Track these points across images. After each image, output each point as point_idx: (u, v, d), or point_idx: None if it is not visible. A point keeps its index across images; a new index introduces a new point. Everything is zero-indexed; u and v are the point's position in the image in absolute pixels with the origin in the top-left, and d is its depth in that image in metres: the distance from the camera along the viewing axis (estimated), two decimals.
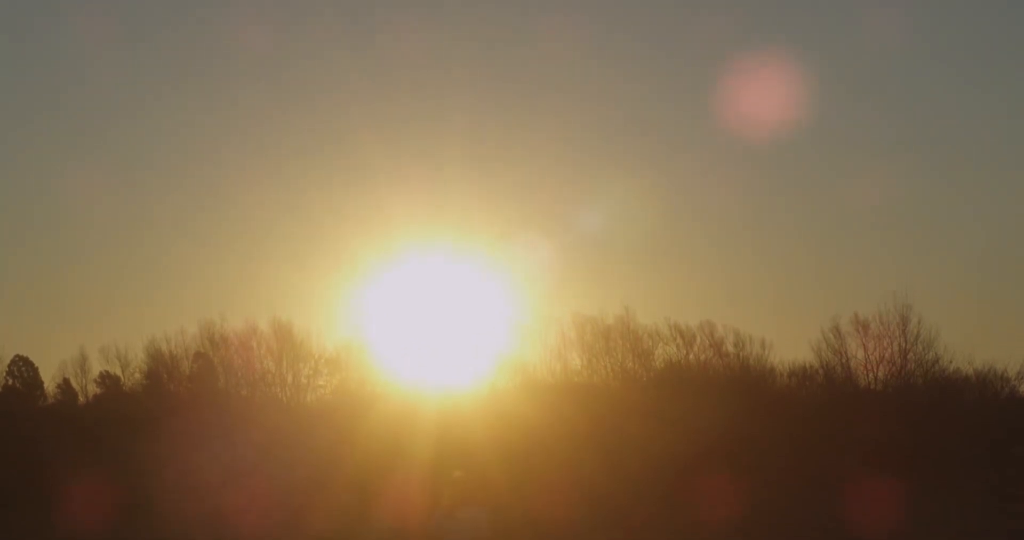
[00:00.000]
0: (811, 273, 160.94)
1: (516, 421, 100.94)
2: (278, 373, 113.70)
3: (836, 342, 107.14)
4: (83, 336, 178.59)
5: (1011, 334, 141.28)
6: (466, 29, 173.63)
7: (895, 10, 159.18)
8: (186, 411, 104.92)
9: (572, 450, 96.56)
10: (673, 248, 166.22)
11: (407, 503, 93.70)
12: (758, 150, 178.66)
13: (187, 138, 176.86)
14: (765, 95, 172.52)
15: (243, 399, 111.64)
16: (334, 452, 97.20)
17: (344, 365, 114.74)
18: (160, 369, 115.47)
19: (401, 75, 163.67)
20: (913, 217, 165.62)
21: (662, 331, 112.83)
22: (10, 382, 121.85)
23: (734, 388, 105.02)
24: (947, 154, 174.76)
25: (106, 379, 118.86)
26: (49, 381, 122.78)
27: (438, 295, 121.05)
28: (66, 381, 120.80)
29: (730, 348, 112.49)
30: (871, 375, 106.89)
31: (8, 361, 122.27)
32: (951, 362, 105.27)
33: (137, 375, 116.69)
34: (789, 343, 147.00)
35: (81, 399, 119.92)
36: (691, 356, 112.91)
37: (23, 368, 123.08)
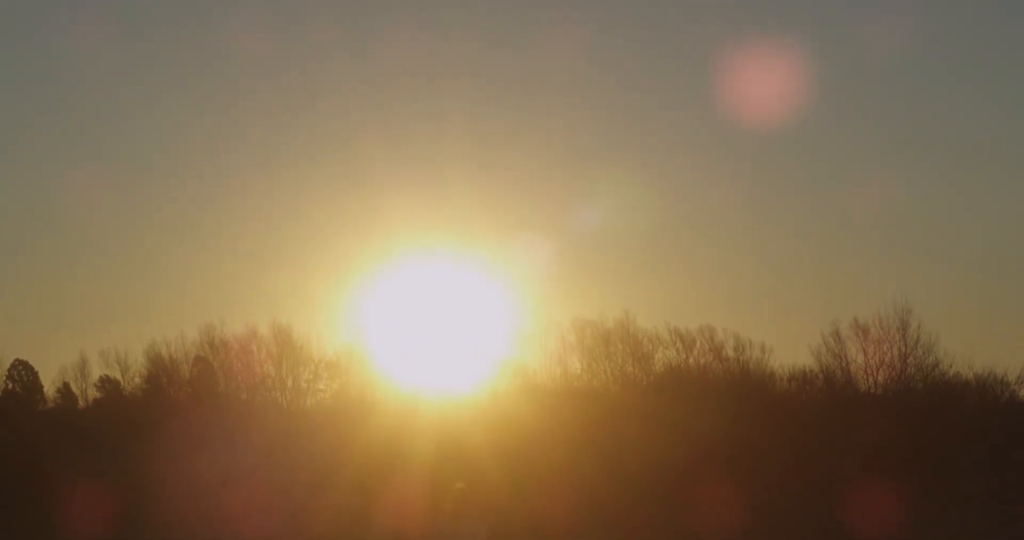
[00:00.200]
0: (811, 277, 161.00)
1: (516, 425, 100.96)
2: (278, 377, 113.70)
3: (836, 346, 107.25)
4: (83, 340, 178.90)
5: (1011, 338, 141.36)
6: (465, 32, 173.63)
7: (895, 12, 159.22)
8: (186, 415, 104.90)
9: (572, 454, 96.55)
10: (673, 252, 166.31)
11: (407, 507, 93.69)
12: (758, 154, 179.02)
13: (187, 142, 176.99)
14: (764, 100, 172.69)
15: (243, 403, 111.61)
16: (334, 456, 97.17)
17: (344, 369, 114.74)
18: (160, 373, 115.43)
19: (400, 79, 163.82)
20: (913, 221, 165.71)
21: (662, 335, 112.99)
22: (10, 386, 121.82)
23: (734, 392, 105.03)
24: (948, 158, 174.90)
25: (106, 383, 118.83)
26: (49, 385, 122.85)
27: (438, 299, 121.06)
28: (66, 385, 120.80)
29: (730, 352, 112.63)
30: (871, 379, 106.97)
31: (8, 365, 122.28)
32: (951, 366, 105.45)
33: (137, 379, 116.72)
34: (789, 347, 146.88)
35: (81, 403, 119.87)
36: (691, 360, 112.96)
37: (23, 372, 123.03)
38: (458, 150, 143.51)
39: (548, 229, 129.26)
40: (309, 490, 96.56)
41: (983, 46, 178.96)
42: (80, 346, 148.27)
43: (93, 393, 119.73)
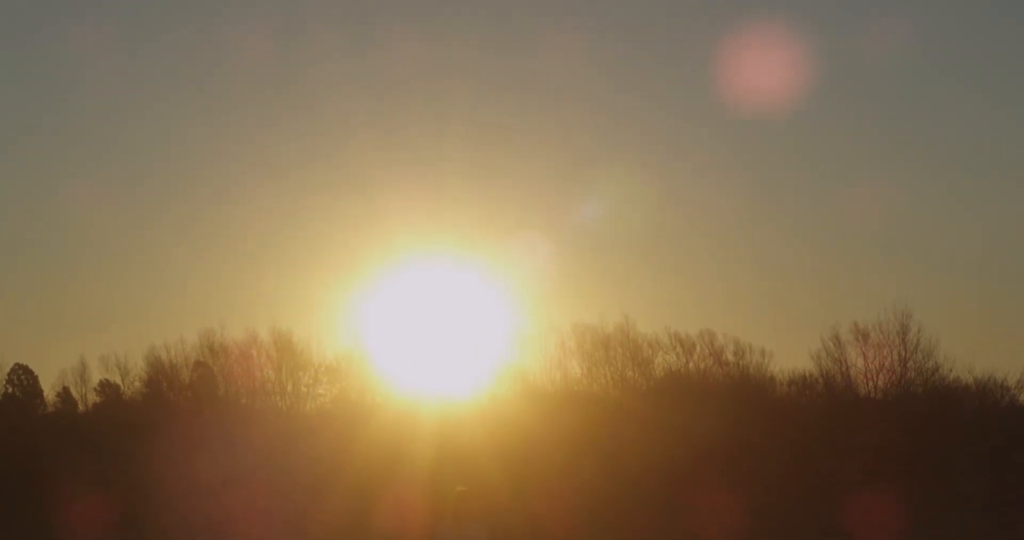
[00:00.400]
0: (811, 282, 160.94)
1: (516, 429, 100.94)
2: (278, 382, 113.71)
3: (836, 351, 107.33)
4: (83, 345, 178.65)
5: (1011, 343, 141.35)
6: (463, 35, 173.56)
7: (894, 14, 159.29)
8: (186, 419, 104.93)
9: (572, 457, 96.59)
10: (672, 255, 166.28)
11: (407, 512, 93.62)
12: (757, 157, 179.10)
13: (187, 146, 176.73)
14: (763, 104, 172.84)
15: (243, 408, 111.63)
16: (334, 460, 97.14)
17: (344, 374, 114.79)
18: (160, 378, 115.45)
19: (401, 82, 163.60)
20: (913, 225, 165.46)
21: (662, 340, 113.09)
22: (10, 390, 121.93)
23: (734, 397, 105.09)
24: (949, 162, 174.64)
25: (106, 388, 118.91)
26: (49, 390, 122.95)
27: (438, 304, 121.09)
28: (66, 389, 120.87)
29: (730, 357, 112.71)
30: (871, 384, 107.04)
31: (8, 370, 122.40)
32: (951, 371, 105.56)
33: (137, 384, 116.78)
34: (789, 352, 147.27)
35: (81, 408, 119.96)
36: (691, 365, 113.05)
37: (23, 377, 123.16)
38: (458, 153, 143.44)
39: (548, 230, 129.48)
40: (309, 494, 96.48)
41: (985, 49, 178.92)
42: (80, 350, 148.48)
43: (93, 397, 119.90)
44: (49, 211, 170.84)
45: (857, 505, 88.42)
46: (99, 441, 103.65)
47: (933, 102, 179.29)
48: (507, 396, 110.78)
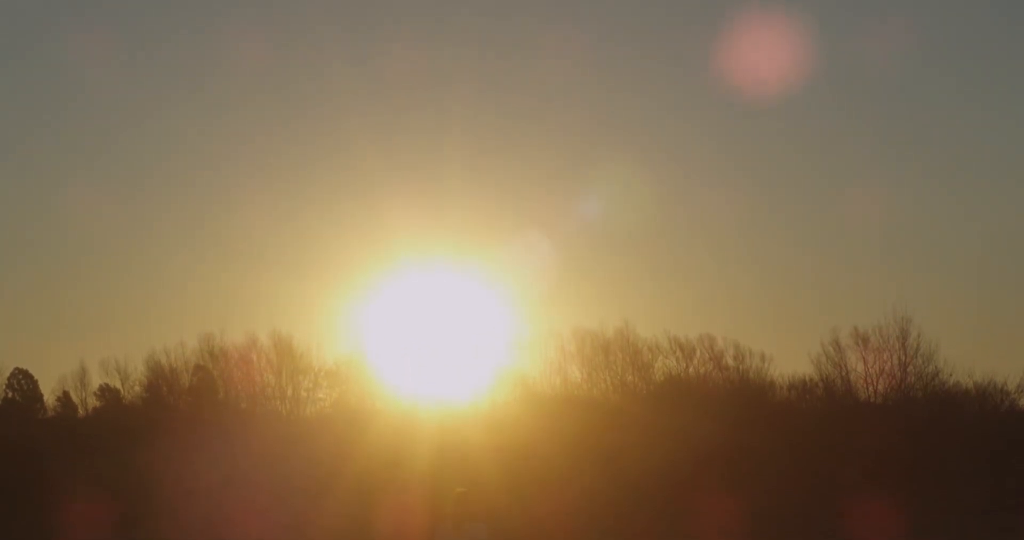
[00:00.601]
0: (811, 286, 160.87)
1: (516, 434, 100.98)
2: (278, 386, 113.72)
3: (836, 355, 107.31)
4: (83, 349, 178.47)
5: (1011, 347, 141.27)
6: (463, 38, 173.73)
7: (895, 18, 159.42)
8: (186, 424, 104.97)
9: (572, 461, 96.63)
10: (672, 260, 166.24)
11: (407, 516, 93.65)
12: (757, 161, 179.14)
13: (187, 150, 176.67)
14: (764, 108, 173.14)
15: (243, 412, 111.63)
16: (334, 464, 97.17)
17: (344, 378, 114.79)
18: (160, 382, 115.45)
19: (400, 87, 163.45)
20: (913, 230, 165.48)
21: (662, 344, 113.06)
22: (10, 395, 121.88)
23: (734, 401, 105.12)
24: (948, 166, 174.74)
25: (106, 392, 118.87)
26: (49, 394, 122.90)
27: (438, 308, 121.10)
28: (66, 394, 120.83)
29: (730, 361, 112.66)
30: (871, 388, 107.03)
31: (8, 374, 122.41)
32: (951, 375, 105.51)
33: (137, 388, 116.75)
34: (789, 356, 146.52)
35: (81, 412, 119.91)
36: (691, 369, 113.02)
37: (23, 381, 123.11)
38: (457, 156, 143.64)
39: (547, 233, 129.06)
40: (309, 497, 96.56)
41: (986, 53, 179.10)
42: (80, 355, 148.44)
43: (93, 402, 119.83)
44: (49, 215, 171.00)
45: (857, 509, 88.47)
46: (99, 445, 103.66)
47: (933, 105, 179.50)
48: (507, 401, 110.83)
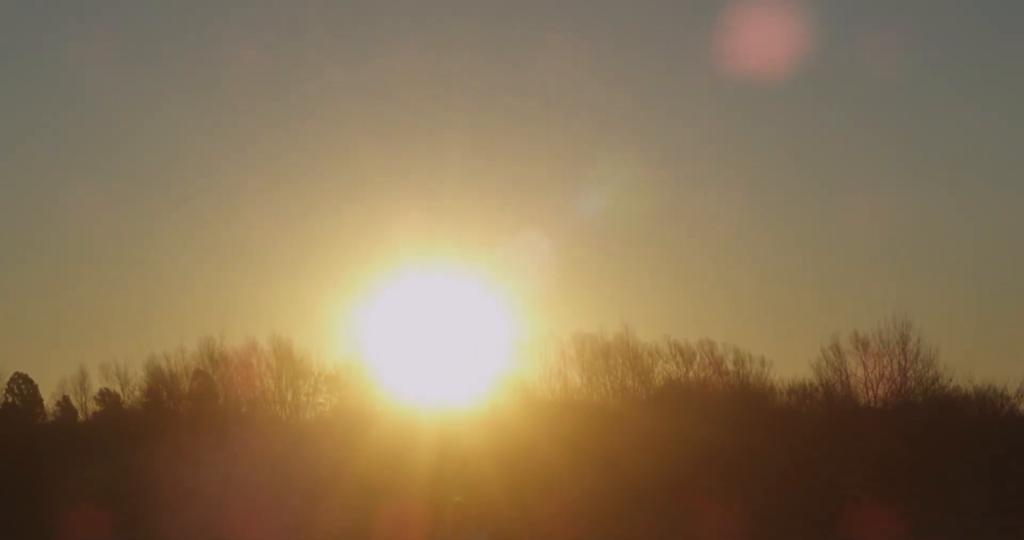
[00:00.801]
0: (811, 291, 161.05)
1: (516, 439, 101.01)
2: (278, 391, 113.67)
3: (836, 360, 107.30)
4: (83, 353, 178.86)
5: (1011, 352, 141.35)
6: (462, 42, 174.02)
7: (896, 25, 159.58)
8: (186, 429, 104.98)
9: (572, 466, 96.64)
10: (672, 264, 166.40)
11: (407, 521, 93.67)
12: (757, 167, 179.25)
13: (186, 154, 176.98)
14: (765, 114, 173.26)
15: (243, 417, 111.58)
16: (334, 469, 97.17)
17: (344, 383, 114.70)
18: (160, 387, 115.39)
19: (400, 92, 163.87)
20: (913, 234, 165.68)
21: (662, 349, 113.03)
22: (9, 399, 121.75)
23: (734, 406, 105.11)
24: (948, 170, 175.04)
25: (106, 396, 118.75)
26: (48, 398, 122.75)
27: (438, 313, 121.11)
28: (65, 398, 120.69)
29: (730, 366, 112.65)
30: (871, 393, 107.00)
31: (7, 378, 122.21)
32: (951, 380, 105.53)
33: (137, 393, 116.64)
34: (789, 361, 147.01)
35: (81, 416, 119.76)
36: (691, 374, 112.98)
37: (22, 385, 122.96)
38: (456, 160, 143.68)
39: (547, 236, 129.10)
40: (309, 503, 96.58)
41: (986, 58, 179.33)
42: (80, 359, 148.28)
43: (93, 406, 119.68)
44: (48, 220, 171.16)
45: (858, 512, 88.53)
46: (99, 450, 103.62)
47: (933, 111, 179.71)
48: (507, 405, 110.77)
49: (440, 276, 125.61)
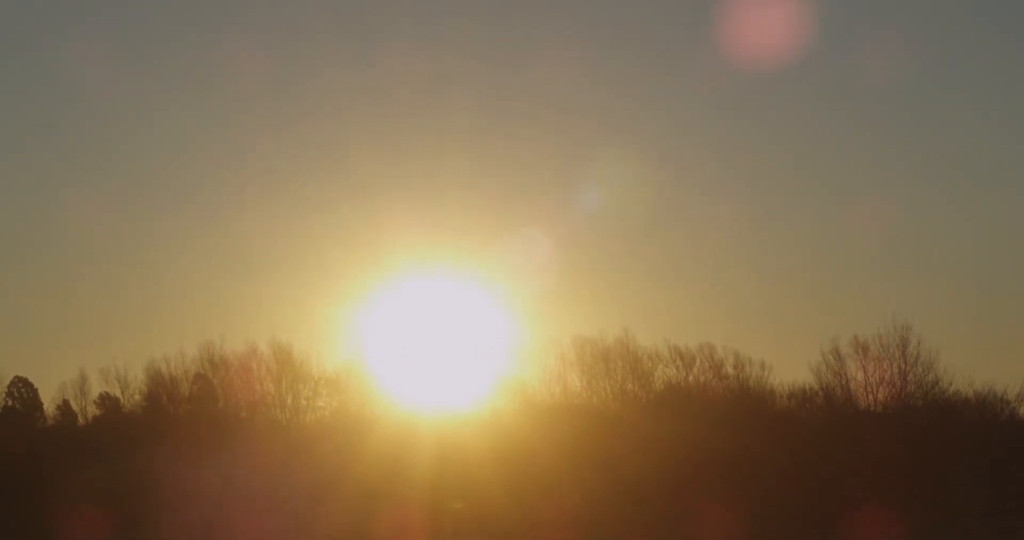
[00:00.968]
0: (811, 295, 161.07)
1: (516, 443, 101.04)
2: (278, 395, 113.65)
3: (836, 364, 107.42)
4: (83, 357, 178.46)
5: (1011, 356, 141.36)
6: (462, 46, 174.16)
7: (896, 32, 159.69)
8: (186, 432, 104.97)
9: (572, 470, 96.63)
10: (672, 268, 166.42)
11: (407, 524, 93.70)
12: (758, 171, 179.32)
13: (186, 159, 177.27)
14: (765, 117, 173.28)
15: (243, 420, 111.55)
16: (334, 473, 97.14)
17: (344, 387, 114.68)
18: (160, 390, 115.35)
19: (400, 96, 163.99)
20: (913, 238, 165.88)
21: (662, 353, 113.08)
22: (10, 403, 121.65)
23: (734, 410, 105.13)
24: (948, 175, 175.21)
25: (106, 400, 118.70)
26: (49, 402, 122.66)
27: (438, 317, 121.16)
28: (66, 402, 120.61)
29: (730, 370, 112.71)
30: (871, 397, 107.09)
31: (8, 382, 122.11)
32: (951, 384, 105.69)
33: (137, 396, 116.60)
34: (789, 365, 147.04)
35: (81, 420, 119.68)
36: (691, 378, 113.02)
37: (23, 389, 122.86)
38: (456, 163, 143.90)
39: (547, 240, 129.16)
40: (308, 506, 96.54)
41: (985, 63, 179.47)
42: (80, 363, 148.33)
43: (93, 410, 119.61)
44: (49, 224, 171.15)
45: (858, 516, 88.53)
46: (99, 453, 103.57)
47: (933, 115, 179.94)
48: (507, 409, 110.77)
49: (440, 280, 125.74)
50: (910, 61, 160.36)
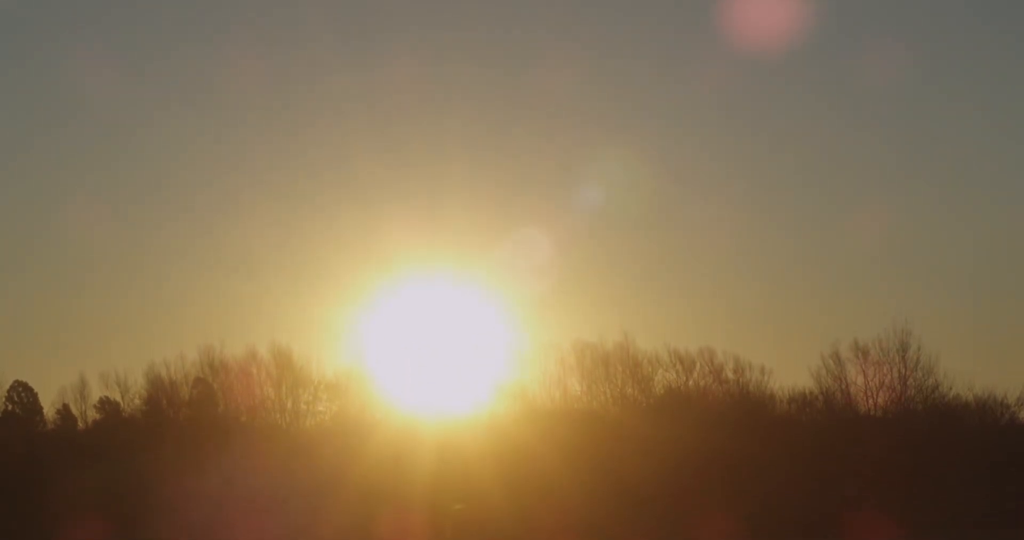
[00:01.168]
0: (811, 299, 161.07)
1: (516, 447, 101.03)
2: (277, 399, 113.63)
3: (836, 368, 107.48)
4: (83, 362, 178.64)
5: (1011, 361, 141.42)
6: (461, 51, 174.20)
7: (897, 40, 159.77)
8: (185, 437, 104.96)
9: (572, 474, 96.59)
10: (673, 272, 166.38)
11: (407, 528, 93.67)
12: (758, 175, 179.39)
13: (186, 163, 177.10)
14: (767, 120, 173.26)
15: (243, 425, 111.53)
16: (334, 477, 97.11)
17: (344, 391, 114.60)
18: (160, 395, 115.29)
19: (400, 101, 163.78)
20: (913, 243, 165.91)
21: (662, 357, 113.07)
22: (10, 408, 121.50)
23: (734, 414, 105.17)
24: (948, 180, 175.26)
25: (106, 405, 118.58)
26: (49, 407, 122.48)
27: (438, 321, 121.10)
28: (66, 407, 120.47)
29: (730, 374, 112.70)
30: (871, 401, 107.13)
31: (8, 386, 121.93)
32: (951, 388, 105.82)
33: (137, 401, 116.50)
34: (789, 369, 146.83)
35: (81, 425, 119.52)
36: (691, 382, 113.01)
37: (23, 394, 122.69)
38: (455, 168, 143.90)
39: (547, 243, 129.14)
40: (309, 510, 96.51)
41: (985, 69, 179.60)
42: (80, 367, 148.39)
43: (93, 414, 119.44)
44: (49, 229, 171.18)
45: (858, 520, 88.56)
46: (99, 458, 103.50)
47: (933, 121, 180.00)
48: (507, 413, 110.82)
49: (440, 284, 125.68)
50: (910, 63, 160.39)
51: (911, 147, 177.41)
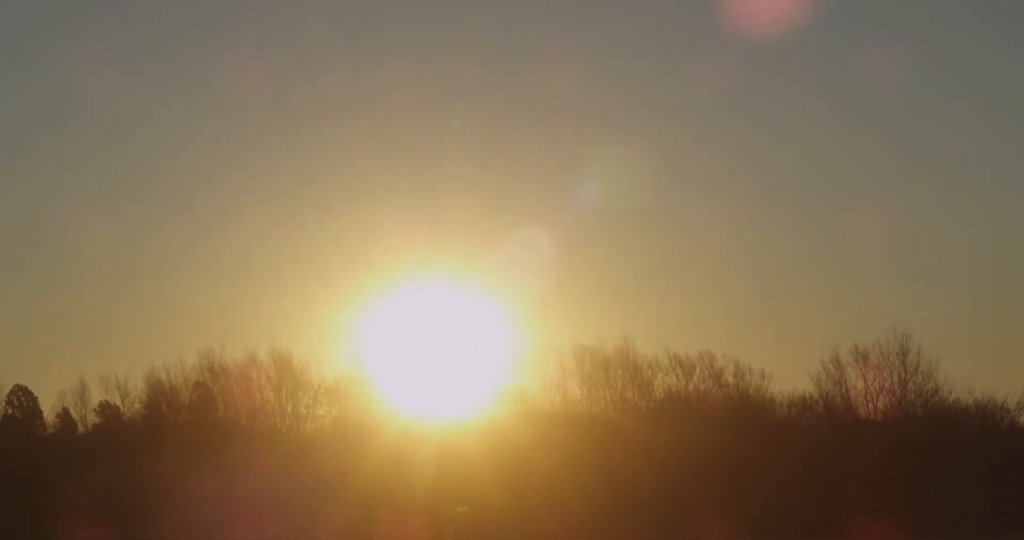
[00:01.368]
0: (811, 303, 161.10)
1: (516, 451, 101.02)
2: (277, 403, 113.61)
3: (836, 372, 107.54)
4: (83, 366, 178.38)
5: (1011, 365, 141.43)
6: (462, 52, 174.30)
7: (897, 42, 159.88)
8: (185, 441, 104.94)
9: (572, 478, 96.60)
10: (672, 275, 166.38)
11: (408, 532, 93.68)
12: (758, 179, 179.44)
13: (186, 165, 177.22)
14: (767, 122, 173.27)
15: (242, 429, 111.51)
16: (335, 482, 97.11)
17: (344, 395, 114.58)
18: (160, 399, 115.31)
19: (399, 101, 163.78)
20: (913, 247, 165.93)
21: (662, 361, 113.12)
22: (9, 412, 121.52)
23: (734, 418, 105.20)
24: (948, 184, 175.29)
25: (106, 409, 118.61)
26: (48, 411, 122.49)
27: (438, 325, 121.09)
28: (65, 411, 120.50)
29: (730, 378, 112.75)
30: (871, 405, 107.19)
31: (7, 390, 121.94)
32: (951, 393, 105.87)
33: (137, 405, 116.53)
34: (789, 374, 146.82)
35: (81, 429, 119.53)
36: (691, 386, 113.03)
37: (22, 398, 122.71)
38: (456, 169, 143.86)
39: (547, 245, 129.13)
40: (309, 514, 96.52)
41: (985, 69, 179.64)
42: (80, 371, 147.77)
43: (93, 418, 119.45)
44: (49, 233, 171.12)
45: (858, 523, 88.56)
46: (99, 462, 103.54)
47: (932, 122, 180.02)
48: (507, 417, 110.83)
49: (440, 288, 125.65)
50: (910, 64, 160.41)
51: (911, 147, 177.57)
